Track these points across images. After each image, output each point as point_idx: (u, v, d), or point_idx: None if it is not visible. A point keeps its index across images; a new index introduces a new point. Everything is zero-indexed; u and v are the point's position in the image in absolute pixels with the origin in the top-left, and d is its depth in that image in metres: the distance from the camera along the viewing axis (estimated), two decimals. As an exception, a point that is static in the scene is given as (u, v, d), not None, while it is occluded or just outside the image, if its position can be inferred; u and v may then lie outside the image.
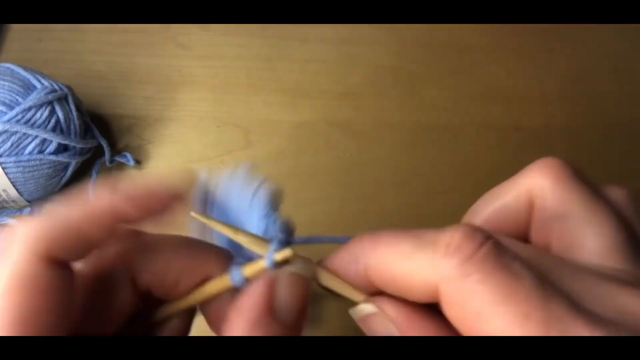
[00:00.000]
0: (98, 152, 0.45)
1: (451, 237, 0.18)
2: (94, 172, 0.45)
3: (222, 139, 0.48)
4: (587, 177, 0.21)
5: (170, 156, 0.47)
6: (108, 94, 0.48)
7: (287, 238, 0.21)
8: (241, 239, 0.21)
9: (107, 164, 0.45)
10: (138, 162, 0.46)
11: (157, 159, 0.47)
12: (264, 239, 0.22)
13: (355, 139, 0.49)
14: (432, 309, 0.20)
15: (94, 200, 0.19)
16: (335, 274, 0.21)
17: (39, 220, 0.18)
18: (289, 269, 0.20)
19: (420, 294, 0.18)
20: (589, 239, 0.19)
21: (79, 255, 0.20)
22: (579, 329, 0.15)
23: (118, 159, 0.45)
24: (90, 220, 0.19)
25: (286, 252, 0.21)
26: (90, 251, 0.20)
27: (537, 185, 0.21)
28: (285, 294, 0.20)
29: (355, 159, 0.49)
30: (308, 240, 0.22)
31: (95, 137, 0.44)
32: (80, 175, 0.45)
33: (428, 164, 0.50)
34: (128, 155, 0.45)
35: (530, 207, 0.22)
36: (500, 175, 0.53)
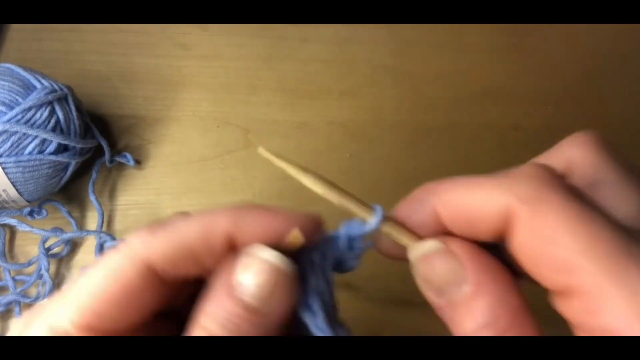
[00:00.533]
0: (98, 152, 0.45)
1: (527, 168, 0.19)
2: (94, 172, 0.45)
3: (222, 139, 0.48)
4: (618, 150, 0.22)
5: (170, 156, 0.47)
6: (108, 94, 0.48)
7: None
8: (340, 198, 0.22)
9: (107, 164, 0.45)
10: (138, 162, 0.46)
11: (157, 159, 0.47)
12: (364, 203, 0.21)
13: (355, 139, 0.49)
14: (496, 252, 0.20)
15: (214, 221, 0.19)
16: (399, 222, 0.21)
17: (158, 233, 0.19)
18: (261, 253, 0.19)
19: (492, 223, 0.19)
20: (624, 203, 0.20)
21: (182, 272, 0.20)
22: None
23: (118, 159, 0.45)
24: (205, 243, 0.19)
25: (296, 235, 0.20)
26: (193, 269, 0.20)
27: (574, 156, 0.22)
28: (250, 280, 0.19)
29: (355, 159, 0.49)
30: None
31: (95, 137, 0.44)
32: (80, 175, 0.45)
33: (428, 164, 0.50)
34: (128, 155, 0.45)
35: (570, 176, 0.22)
36: (500, 175, 0.52)
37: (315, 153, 0.49)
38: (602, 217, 0.17)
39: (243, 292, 0.19)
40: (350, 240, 0.22)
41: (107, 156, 0.44)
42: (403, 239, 0.21)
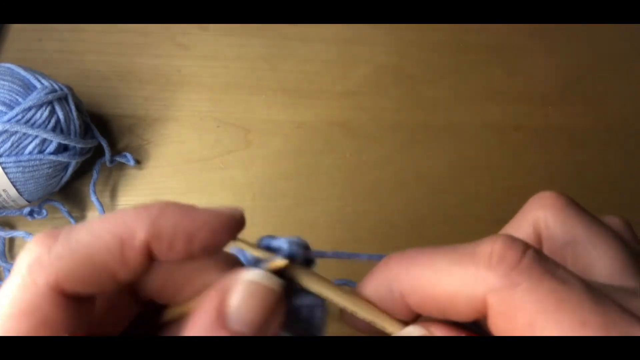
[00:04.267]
0: (98, 152, 0.45)
1: (491, 247, 0.17)
2: (95, 172, 0.45)
3: (222, 139, 0.48)
4: (581, 205, 0.21)
5: (170, 156, 0.47)
6: (108, 94, 0.48)
7: (302, 254, 0.20)
8: (256, 253, 0.20)
9: (107, 164, 0.45)
10: (138, 162, 0.46)
11: (157, 159, 0.47)
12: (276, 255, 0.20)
13: (355, 139, 0.49)
14: (475, 328, 0.19)
15: (128, 229, 0.17)
16: (371, 302, 0.20)
17: (52, 247, 0.17)
18: (249, 275, 0.18)
19: (464, 311, 0.18)
20: (600, 261, 0.19)
21: (94, 289, 0.18)
22: (637, 330, 0.15)
23: (118, 159, 0.45)
24: (120, 255, 0.17)
25: (280, 262, 0.19)
26: (108, 284, 0.18)
27: (540, 219, 0.21)
28: (239, 304, 0.17)
29: (355, 159, 0.49)
30: (322, 254, 0.21)
31: (95, 137, 0.44)
32: (80, 175, 0.45)
33: (428, 164, 0.50)
34: (128, 155, 0.45)
35: (539, 241, 0.22)
36: (500, 175, 0.53)
37: (315, 153, 0.49)
38: (572, 290, 0.16)
39: (235, 321, 0.17)
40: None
41: (107, 156, 0.44)
42: (380, 321, 0.20)
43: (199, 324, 0.17)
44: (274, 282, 0.18)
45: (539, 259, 0.17)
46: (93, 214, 0.45)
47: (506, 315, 0.16)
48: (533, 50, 0.55)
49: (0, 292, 0.17)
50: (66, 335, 0.17)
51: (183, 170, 0.47)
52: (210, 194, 0.47)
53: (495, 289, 0.16)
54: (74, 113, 0.41)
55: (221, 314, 0.17)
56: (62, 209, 0.44)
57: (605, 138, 0.52)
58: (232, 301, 0.17)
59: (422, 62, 0.53)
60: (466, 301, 0.17)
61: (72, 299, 0.17)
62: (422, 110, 0.51)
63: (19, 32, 0.49)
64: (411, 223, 0.48)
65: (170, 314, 0.21)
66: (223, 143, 0.48)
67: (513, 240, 0.17)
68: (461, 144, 0.51)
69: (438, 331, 0.19)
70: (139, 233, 0.17)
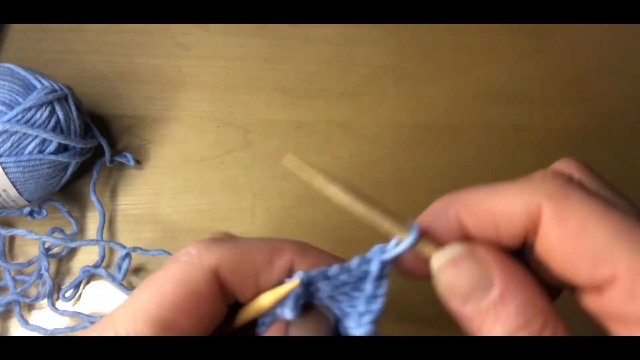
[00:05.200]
0: (98, 152, 0.45)
1: (544, 172, 0.20)
2: (95, 172, 0.45)
3: (222, 139, 0.48)
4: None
5: (170, 156, 0.47)
6: (108, 94, 0.48)
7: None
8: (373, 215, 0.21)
9: (107, 164, 0.45)
10: (138, 162, 0.46)
11: (157, 159, 0.47)
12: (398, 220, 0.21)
13: (355, 139, 0.49)
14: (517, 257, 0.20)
15: (281, 246, 0.21)
16: (426, 233, 0.21)
17: (224, 244, 0.20)
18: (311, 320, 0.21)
19: (518, 224, 0.19)
20: None
21: (238, 288, 0.21)
22: None
23: (118, 159, 0.45)
24: (270, 263, 0.21)
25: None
26: (250, 287, 0.21)
27: (573, 173, 0.22)
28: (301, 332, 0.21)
29: (355, 159, 0.49)
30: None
31: (95, 137, 0.44)
32: (80, 175, 0.45)
33: (428, 164, 0.50)
34: (128, 155, 0.45)
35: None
36: (500, 175, 0.53)
37: (315, 153, 0.49)
38: (623, 210, 0.18)
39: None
40: (383, 266, 0.21)
41: (107, 156, 0.44)
42: (426, 250, 0.20)
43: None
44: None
45: (583, 185, 0.19)
46: (93, 214, 0.45)
47: (560, 219, 0.18)
48: (533, 50, 0.55)
49: (168, 264, 0.20)
50: (203, 315, 0.19)
51: (183, 170, 0.47)
52: (210, 194, 0.47)
53: (551, 195, 0.18)
54: (74, 113, 0.41)
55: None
56: (62, 209, 0.44)
57: (605, 138, 0.52)
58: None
59: (422, 62, 0.53)
60: (521, 211, 0.18)
61: (220, 288, 0.20)
62: (422, 110, 0.51)
63: (19, 32, 0.49)
64: (411, 223, 0.48)
65: (243, 314, 0.22)
66: (223, 143, 0.48)
67: (563, 171, 0.20)
68: (461, 144, 0.51)
69: (480, 249, 0.19)
70: (288, 251, 0.21)
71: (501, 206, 0.19)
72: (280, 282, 0.21)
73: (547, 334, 0.18)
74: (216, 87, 0.50)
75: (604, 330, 0.18)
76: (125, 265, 0.40)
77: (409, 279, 0.21)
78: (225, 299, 0.20)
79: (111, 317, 0.19)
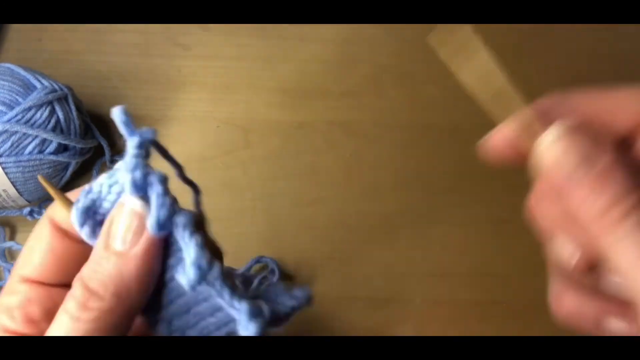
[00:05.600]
0: (98, 152, 0.45)
1: None
2: (95, 172, 0.45)
3: (222, 139, 0.48)
4: None
5: (170, 156, 0.47)
6: (108, 94, 0.48)
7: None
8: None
9: (108, 163, 0.45)
10: (138, 162, 0.46)
11: (157, 159, 0.47)
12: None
13: (355, 139, 0.49)
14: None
15: None
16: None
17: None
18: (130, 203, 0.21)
19: (627, 121, 0.20)
20: None
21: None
22: None
23: (118, 158, 0.45)
24: None
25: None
26: None
27: None
28: (114, 225, 0.21)
29: (355, 159, 0.49)
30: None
31: (95, 137, 0.44)
32: (80, 175, 0.45)
33: (428, 164, 0.49)
34: (128, 155, 0.45)
35: None
36: (501, 175, 0.53)
37: (315, 153, 0.49)
38: None
39: (113, 238, 0.21)
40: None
41: (107, 156, 0.44)
42: (532, 129, 0.22)
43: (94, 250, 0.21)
44: (141, 207, 0.21)
45: None
46: (93, 214, 0.45)
47: None
48: (533, 50, 0.55)
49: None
50: None
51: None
52: (210, 194, 0.46)
53: None
54: (74, 113, 0.41)
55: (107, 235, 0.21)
56: (62, 209, 0.44)
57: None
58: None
59: (422, 62, 0.53)
60: (632, 110, 0.20)
61: (69, 237, 0.23)
62: (422, 110, 0.51)
63: (19, 32, 0.49)
64: (411, 223, 0.48)
65: None
66: (223, 143, 0.48)
67: None
68: (461, 144, 0.50)
69: (585, 126, 0.20)
70: None
71: (611, 106, 0.21)
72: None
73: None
74: (216, 87, 0.50)
75: None
76: None
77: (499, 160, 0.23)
78: (69, 236, 0.23)
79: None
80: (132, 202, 0.21)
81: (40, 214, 0.42)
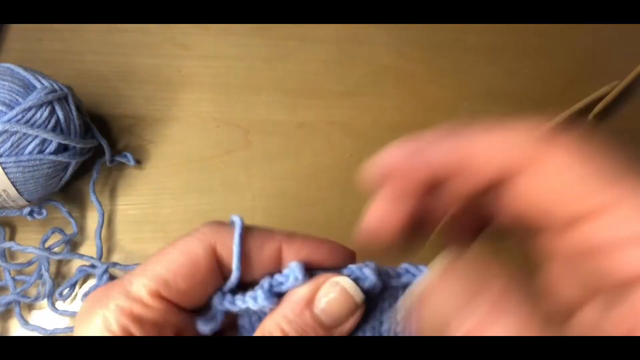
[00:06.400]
0: (98, 152, 0.45)
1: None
2: (94, 172, 0.45)
3: (222, 139, 0.48)
4: None
5: (170, 156, 0.47)
6: (108, 94, 0.48)
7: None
8: None
9: (108, 163, 0.45)
10: (138, 162, 0.46)
11: (158, 159, 0.47)
12: None
13: (355, 139, 0.49)
14: None
15: (271, 234, 0.23)
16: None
17: (226, 227, 0.23)
18: (345, 283, 0.22)
19: (498, 164, 0.19)
20: None
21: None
22: None
23: (118, 158, 0.45)
24: (261, 248, 0.23)
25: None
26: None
27: None
28: (327, 297, 0.21)
29: (355, 159, 0.49)
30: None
31: (95, 137, 0.44)
32: (80, 175, 0.45)
33: (428, 164, 0.49)
34: (128, 155, 0.45)
35: None
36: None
37: (315, 153, 0.49)
38: (602, 148, 0.18)
39: (321, 310, 0.21)
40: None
41: (107, 156, 0.44)
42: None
43: (293, 302, 0.21)
44: (359, 295, 0.22)
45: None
46: (93, 214, 0.45)
47: (545, 156, 0.18)
48: (533, 50, 0.55)
49: (179, 238, 0.23)
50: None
51: (183, 170, 0.47)
52: (210, 194, 0.47)
53: (538, 135, 0.19)
54: (74, 113, 0.41)
55: (311, 300, 0.21)
56: (62, 209, 0.44)
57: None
58: (322, 292, 0.21)
59: (422, 62, 0.53)
60: (504, 151, 0.19)
61: (217, 262, 0.22)
62: (422, 110, 0.51)
63: (19, 32, 0.49)
64: (411, 223, 0.48)
65: None
66: (223, 143, 0.48)
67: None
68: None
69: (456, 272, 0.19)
70: (277, 237, 0.24)
71: (483, 147, 0.20)
72: (273, 264, 0.23)
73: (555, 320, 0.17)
74: (216, 87, 0.50)
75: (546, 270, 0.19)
76: (104, 281, 0.40)
77: None
78: (222, 272, 0.23)
79: (131, 273, 0.22)
80: (348, 284, 0.22)
81: (40, 214, 0.42)
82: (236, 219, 0.23)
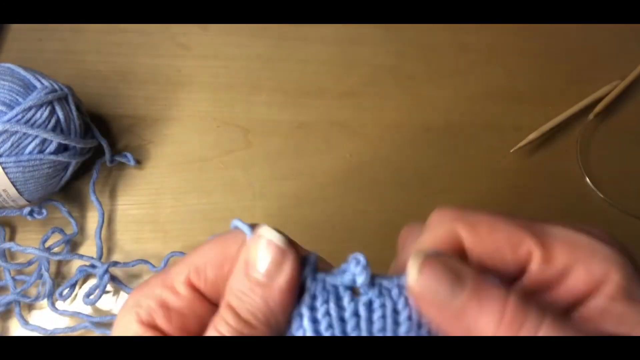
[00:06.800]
0: (98, 152, 0.45)
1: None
2: (95, 172, 0.45)
3: (222, 139, 0.48)
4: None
5: (170, 156, 0.47)
6: (108, 94, 0.48)
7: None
8: None
9: (108, 163, 0.45)
10: (138, 162, 0.46)
11: (158, 159, 0.47)
12: None
13: (355, 139, 0.49)
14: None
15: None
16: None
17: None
18: (267, 233, 0.22)
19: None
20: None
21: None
22: None
23: (118, 158, 0.45)
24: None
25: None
26: None
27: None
28: (252, 256, 0.22)
29: (355, 159, 0.49)
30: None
31: (96, 137, 0.44)
32: (80, 175, 0.45)
33: (428, 164, 0.49)
34: (128, 155, 0.45)
35: None
36: (501, 175, 0.53)
37: (315, 153, 0.49)
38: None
39: (254, 269, 0.21)
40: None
41: (107, 156, 0.44)
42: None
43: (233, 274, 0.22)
44: (280, 239, 0.22)
45: None
46: (93, 214, 0.45)
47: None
48: (533, 50, 0.55)
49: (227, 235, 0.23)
50: None
51: (183, 170, 0.47)
52: (210, 194, 0.47)
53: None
54: (74, 113, 0.41)
55: (247, 265, 0.22)
56: (62, 209, 0.44)
57: (605, 138, 0.52)
58: (249, 253, 0.22)
59: (422, 62, 0.53)
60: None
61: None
62: (422, 110, 0.51)
63: (19, 32, 0.49)
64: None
65: None
66: (223, 143, 0.48)
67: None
68: (461, 144, 0.51)
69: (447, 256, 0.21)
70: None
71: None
72: None
73: (526, 331, 0.19)
74: (216, 87, 0.50)
75: None
76: (105, 281, 0.40)
77: None
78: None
79: (177, 262, 0.23)
80: (271, 234, 0.22)
81: (40, 214, 0.42)
82: (239, 224, 0.23)
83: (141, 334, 0.21)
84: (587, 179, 0.50)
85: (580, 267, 0.20)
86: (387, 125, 0.50)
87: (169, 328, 0.21)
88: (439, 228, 0.22)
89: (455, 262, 0.20)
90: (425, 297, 0.20)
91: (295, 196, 0.47)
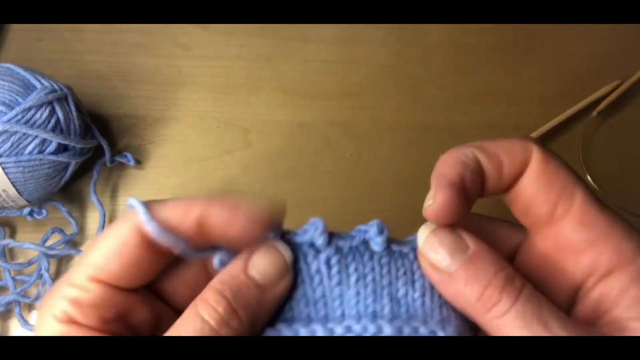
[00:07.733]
0: (98, 152, 0.45)
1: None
2: (95, 172, 0.45)
3: (222, 139, 0.48)
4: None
5: (170, 156, 0.47)
6: (108, 94, 0.48)
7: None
8: None
9: (108, 164, 0.45)
10: (138, 162, 0.46)
11: (158, 159, 0.47)
12: None
13: (355, 139, 0.49)
14: None
15: (189, 207, 0.23)
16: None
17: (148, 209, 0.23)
18: (281, 247, 0.24)
19: (517, 163, 0.24)
20: None
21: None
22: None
23: (118, 159, 0.45)
24: (181, 223, 0.22)
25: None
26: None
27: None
28: (259, 259, 0.23)
29: (355, 159, 0.49)
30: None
31: (95, 137, 0.44)
32: (80, 175, 0.45)
33: (428, 164, 0.49)
34: (128, 155, 0.45)
35: None
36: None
37: (315, 153, 0.49)
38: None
39: (255, 270, 0.23)
40: None
41: (107, 156, 0.44)
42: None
43: (229, 268, 0.23)
44: (289, 255, 0.24)
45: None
46: (93, 214, 0.45)
47: (543, 163, 0.24)
48: (533, 50, 0.55)
49: (113, 226, 0.23)
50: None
51: (183, 170, 0.47)
52: (210, 194, 0.47)
53: (538, 147, 0.24)
54: (74, 113, 0.41)
55: (246, 262, 0.23)
56: (62, 209, 0.44)
57: (605, 138, 0.52)
58: (257, 255, 0.23)
59: (422, 62, 0.53)
60: (520, 154, 0.24)
61: (151, 246, 0.22)
62: (422, 110, 0.51)
63: (19, 32, 0.49)
64: (411, 223, 0.48)
65: None
66: (223, 143, 0.48)
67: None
68: (461, 144, 0.50)
69: (443, 231, 0.25)
70: (195, 211, 0.23)
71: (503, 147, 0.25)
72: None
73: (517, 281, 0.22)
74: (216, 87, 0.50)
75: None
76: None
77: None
78: (156, 250, 0.23)
79: (73, 266, 0.24)
80: (285, 250, 0.24)
81: (40, 214, 0.42)
82: (133, 202, 0.23)
83: (64, 331, 0.21)
84: (589, 177, 0.50)
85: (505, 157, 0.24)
86: (387, 125, 0.50)
87: (88, 321, 0.21)
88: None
89: (461, 233, 0.23)
90: (427, 258, 0.23)
91: (295, 196, 0.47)
